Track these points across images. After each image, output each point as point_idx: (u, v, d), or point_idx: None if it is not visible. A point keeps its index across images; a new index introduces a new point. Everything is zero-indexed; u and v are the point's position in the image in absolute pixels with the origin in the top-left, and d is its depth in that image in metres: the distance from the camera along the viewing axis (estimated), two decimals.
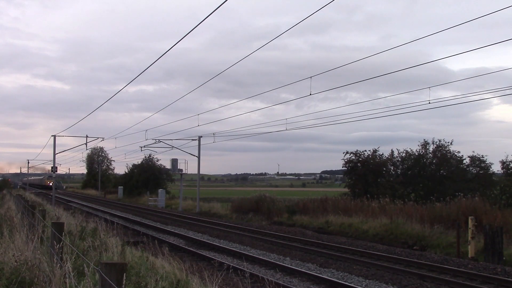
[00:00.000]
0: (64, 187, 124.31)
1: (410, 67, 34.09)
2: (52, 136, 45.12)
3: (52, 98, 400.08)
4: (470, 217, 19.00)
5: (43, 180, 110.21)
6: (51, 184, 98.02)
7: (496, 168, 37.25)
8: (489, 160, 39.15)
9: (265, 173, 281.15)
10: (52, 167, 50.06)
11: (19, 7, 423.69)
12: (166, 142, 47.06)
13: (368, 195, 34.19)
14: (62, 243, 7.44)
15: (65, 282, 6.29)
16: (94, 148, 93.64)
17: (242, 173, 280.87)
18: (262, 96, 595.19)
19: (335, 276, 14.29)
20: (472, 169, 40.26)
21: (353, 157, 39.59)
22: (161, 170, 68.51)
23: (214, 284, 8.55)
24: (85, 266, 6.02)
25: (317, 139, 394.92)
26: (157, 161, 70.36)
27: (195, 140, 45.95)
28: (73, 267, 6.59)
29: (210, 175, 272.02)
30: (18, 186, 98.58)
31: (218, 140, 57.34)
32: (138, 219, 33.78)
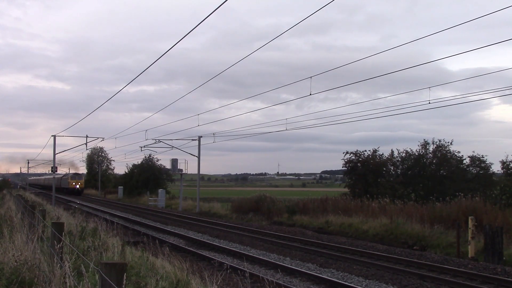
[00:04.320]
0: None
1: (409, 67, 34.13)
2: (52, 136, 45.18)
3: (52, 98, 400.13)
4: (470, 217, 18.99)
5: (66, 180, 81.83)
6: (78, 186, 77.10)
7: (496, 168, 37.32)
8: (489, 160, 39.27)
9: (265, 173, 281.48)
10: (52, 167, 50.14)
11: (20, 7, 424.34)
12: (166, 142, 47.10)
13: (368, 195, 34.20)
14: (62, 243, 7.44)
15: (65, 282, 6.29)
16: (94, 148, 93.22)
17: (242, 173, 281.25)
18: (262, 96, 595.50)
19: (335, 276, 14.29)
20: (472, 169, 40.31)
21: (353, 157, 39.62)
22: (161, 170, 68.50)
23: (214, 284, 8.55)
24: (88, 265, 6.02)
25: (317, 139, 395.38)
26: (157, 161, 70.42)
27: (195, 140, 45.98)
28: (73, 267, 6.59)
29: (210, 175, 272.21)
30: (18, 187, 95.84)
31: (218, 140, 57.47)
32: (138, 219, 33.77)
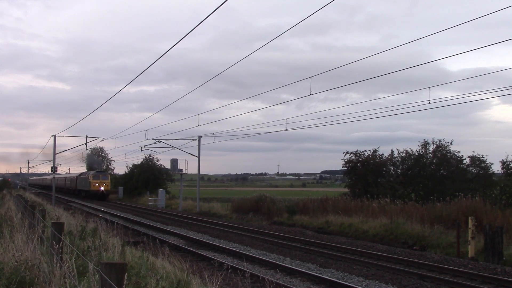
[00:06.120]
0: None
1: (409, 67, 34.15)
2: (52, 136, 45.17)
3: (53, 98, 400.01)
4: (470, 217, 18.99)
5: (85, 180, 64.72)
6: (103, 188, 60.89)
7: (496, 168, 37.34)
8: (489, 160, 39.28)
9: (265, 173, 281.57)
10: (52, 167, 50.10)
11: (21, 7, 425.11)
12: (166, 142, 47.09)
13: (368, 195, 34.20)
14: (62, 243, 7.44)
15: (65, 282, 6.29)
16: (94, 148, 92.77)
17: (242, 173, 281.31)
18: (262, 96, 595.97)
19: (335, 276, 14.29)
20: (472, 169, 40.30)
21: (353, 157, 39.62)
22: (161, 170, 68.44)
23: (214, 284, 8.56)
24: (89, 265, 6.02)
25: (317, 139, 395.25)
26: (157, 161, 70.29)
27: (195, 140, 45.98)
28: (73, 267, 6.60)
29: (210, 175, 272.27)
30: (18, 187, 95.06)
31: (218, 140, 57.35)
32: (138, 219, 33.77)
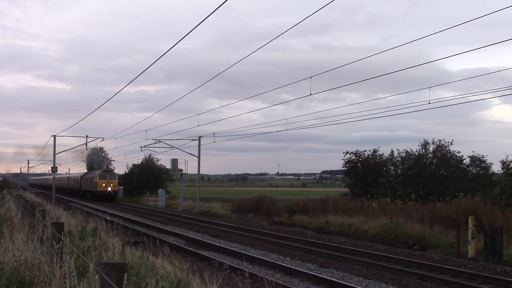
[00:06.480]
0: None
1: (409, 68, 34.12)
2: (52, 136, 45.18)
3: (53, 98, 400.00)
4: (470, 217, 18.99)
5: (90, 180, 61.26)
6: (110, 189, 57.61)
7: (496, 168, 37.33)
8: (489, 160, 39.26)
9: (265, 173, 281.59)
10: (52, 167, 50.07)
11: (21, 7, 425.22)
12: (166, 142, 47.09)
13: (368, 195, 34.20)
14: (62, 243, 7.45)
15: (65, 282, 6.29)
16: (94, 148, 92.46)
17: (242, 173, 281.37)
18: (262, 96, 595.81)
19: (335, 276, 14.29)
20: (472, 169, 40.30)
21: (353, 157, 39.63)
22: (161, 170, 68.42)
23: (214, 284, 8.56)
24: (89, 265, 6.03)
25: (317, 139, 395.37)
26: (157, 161, 70.25)
27: (195, 140, 45.97)
28: (73, 267, 6.60)
29: (210, 175, 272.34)
30: (18, 187, 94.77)
31: (218, 140, 57.36)
32: (138, 219, 33.77)
